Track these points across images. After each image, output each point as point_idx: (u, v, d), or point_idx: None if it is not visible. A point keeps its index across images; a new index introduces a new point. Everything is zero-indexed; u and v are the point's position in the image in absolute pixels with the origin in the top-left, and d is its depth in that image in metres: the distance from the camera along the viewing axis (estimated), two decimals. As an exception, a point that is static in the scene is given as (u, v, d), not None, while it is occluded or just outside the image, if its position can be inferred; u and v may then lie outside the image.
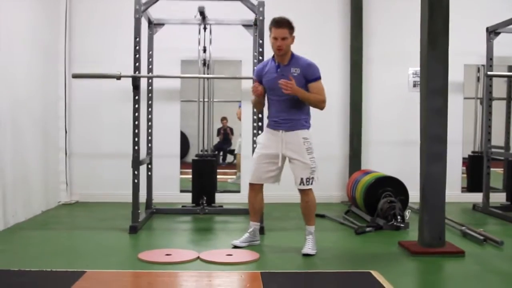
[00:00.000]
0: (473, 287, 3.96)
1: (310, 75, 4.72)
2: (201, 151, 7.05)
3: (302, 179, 4.73)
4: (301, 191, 4.81)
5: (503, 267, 4.56)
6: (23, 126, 6.12)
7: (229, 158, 12.56)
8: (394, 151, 7.70)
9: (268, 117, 4.94)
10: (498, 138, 7.85)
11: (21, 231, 5.60)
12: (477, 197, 7.23)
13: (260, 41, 5.76)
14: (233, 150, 12.17)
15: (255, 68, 5.09)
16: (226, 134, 12.42)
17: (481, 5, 7.64)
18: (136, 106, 5.73)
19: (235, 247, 4.95)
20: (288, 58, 4.77)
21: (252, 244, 5.01)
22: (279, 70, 4.76)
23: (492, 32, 6.93)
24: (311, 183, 4.77)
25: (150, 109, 6.62)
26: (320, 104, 4.78)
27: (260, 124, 5.66)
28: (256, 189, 4.96)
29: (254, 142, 6.21)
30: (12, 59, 5.81)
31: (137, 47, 5.72)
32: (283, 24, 4.69)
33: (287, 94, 4.62)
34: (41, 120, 6.69)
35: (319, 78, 4.75)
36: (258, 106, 5.10)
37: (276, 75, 4.75)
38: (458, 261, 4.60)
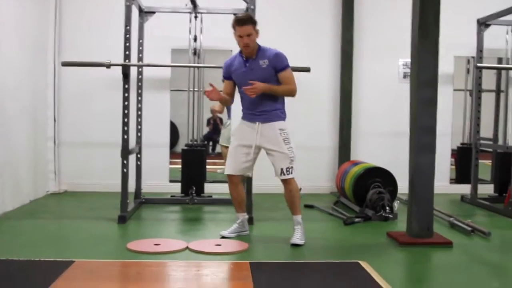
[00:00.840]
0: (461, 277, 3.98)
1: (278, 65, 4.71)
2: (191, 141, 7.04)
3: (282, 169, 4.72)
4: (283, 181, 4.80)
5: (490, 258, 4.60)
6: (11, 115, 6.07)
7: (219, 148, 12.54)
8: (384, 142, 7.72)
9: (242, 110, 4.92)
10: (486, 130, 7.88)
11: (9, 220, 5.57)
12: (465, 189, 7.28)
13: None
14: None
15: (223, 65, 5.04)
16: (215, 124, 12.39)
17: (472, -3, 7.66)
18: (126, 95, 5.70)
19: (224, 237, 4.95)
20: (255, 52, 4.76)
21: (241, 234, 5.03)
22: (248, 65, 4.76)
23: (483, 24, 6.94)
24: (291, 173, 4.74)
25: (140, 98, 6.58)
26: (291, 93, 4.78)
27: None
28: (234, 181, 4.95)
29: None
30: (-1, 47, 5.77)
31: (128, 35, 5.69)
32: (246, 22, 4.67)
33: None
34: (29, 109, 6.64)
35: (287, 66, 4.74)
36: (225, 103, 5.21)
37: (245, 70, 4.76)
38: (446, 251, 4.63)
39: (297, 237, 4.76)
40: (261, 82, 4.62)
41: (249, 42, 4.67)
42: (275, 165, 4.77)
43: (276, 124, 4.75)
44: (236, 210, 5.11)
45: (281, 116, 4.80)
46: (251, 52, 4.74)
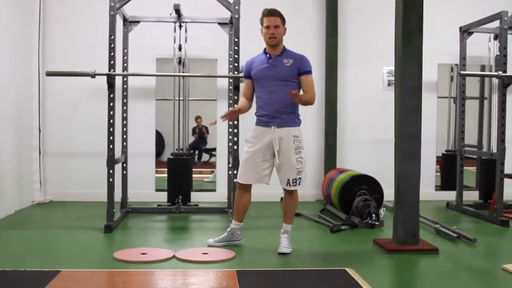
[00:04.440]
0: (447, 284, 4.00)
1: (303, 67, 4.70)
2: (177, 150, 7.03)
3: (288, 180, 4.67)
4: (287, 190, 4.78)
5: (476, 264, 4.63)
6: (-4, 125, 6.05)
7: (205, 157, 12.54)
8: (369, 150, 7.75)
9: (256, 114, 4.81)
10: (471, 137, 7.94)
11: (-6, 231, 5.54)
12: (450, 195, 7.32)
13: (236, 40, 5.76)
14: (209, 149, 12.16)
15: (244, 64, 5.01)
16: (201, 133, 12.40)
17: (454, 5, 7.75)
18: (111, 104, 5.69)
19: (210, 246, 4.92)
20: (281, 50, 4.75)
21: (230, 244, 4.93)
22: (271, 61, 4.72)
23: (465, 32, 7.01)
24: (298, 184, 4.70)
25: (125, 108, 6.57)
26: (311, 101, 4.77)
27: (235, 122, 5.66)
28: (245, 188, 4.85)
29: (229, 140, 6.22)
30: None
31: (112, 45, 5.69)
32: (275, 13, 4.69)
33: (275, 82, 4.66)
34: (14, 119, 6.60)
35: (310, 71, 4.75)
36: (245, 111, 4.92)
37: (267, 65, 4.72)
38: (432, 258, 4.65)
39: (284, 246, 4.74)
40: (280, 80, 4.64)
41: (276, 33, 4.67)
42: (280, 173, 4.72)
43: (291, 130, 4.69)
44: (234, 217, 4.98)
45: (297, 121, 4.76)
46: (276, 49, 4.73)
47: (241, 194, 4.88)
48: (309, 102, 4.75)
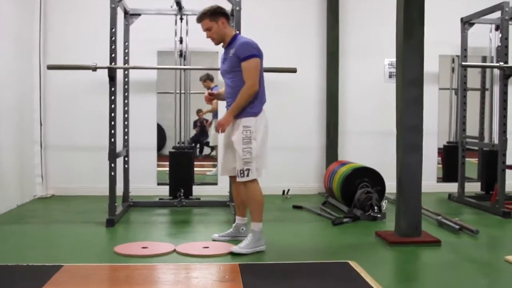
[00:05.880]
0: (449, 276, 4.00)
1: (241, 54, 4.46)
2: (178, 143, 7.02)
3: (238, 170, 4.50)
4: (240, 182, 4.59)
5: (478, 256, 4.63)
6: (-3, 119, 6.04)
7: (206, 150, 12.53)
8: (371, 142, 7.74)
9: None
10: (472, 128, 7.93)
11: (-4, 225, 5.54)
12: (452, 187, 7.32)
13: (237, 32, 5.72)
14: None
15: None
16: (202, 126, 12.38)
17: (455, -4, 7.71)
18: (112, 97, 5.69)
19: (215, 240, 4.87)
20: (228, 42, 4.66)
21: (236, 239, 4.78)
22: (223, 55, 4.74)
23: (466, 23, 6.99)
24: (247, 175, 4.45)
25: (126, 101, 6.57)
26: (249, 93, 4.44)
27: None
28: (234, 180, 4.73)
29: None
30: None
31: (113, 38, 5.67)
32: (200, 18, 4.63)
33: (227, 76, 4.61)
34: (15, 112, 6.60)
35: (250, 56, 4.45)
36: (221, 96, 4.95)
37: (222, 59, 4.74)
38: (435, 250, 4.66)
39: (240, 245, 4.51)
40: (227, 73, 4.59)
41: (210, 36, 4.65)
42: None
43: (241, 121, 4.49)
44: (236, 212, 4.97)
45: (249, 111, 4.48)
46: (223, 43, 4.68)
47: (233, 187, 4.84)
48: (248, 96, 4.44)
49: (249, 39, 4.60)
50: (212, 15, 4.60)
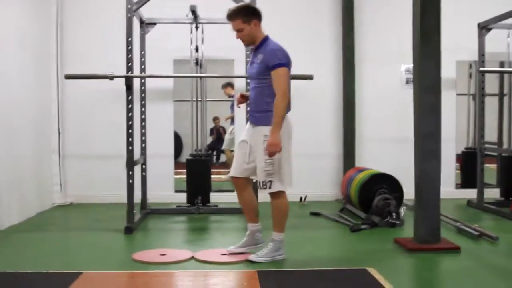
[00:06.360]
0: (469, 283, 3.97)
1: (269, 61, 4.26)
2: (195, 150, 7.04)
3: (259, 182, 4.37)
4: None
5: (498, 263, 4.58)
6: (16, 128, 6.10)
7: (223, 157, 12.55)
8: (388, 148, 7.70)
9: None
10: (491, 134, 7.88)
11: (16, 234, 5.58)
12: (471, 193, 7.25)
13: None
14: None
15: None
16: (219, 134, 12.42)
17: (472, 1, 7.65)
18: (130, 106, 5.72)
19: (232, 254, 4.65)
20: (257, 44, 4.44)
21: (254, 248, 4.60)
22: (250, 58, 4.59)
23: (484, 28, 6.94)
24: (269, 187, 4.31)
25: (143, 109, 6.61)
26: (284, 102, 4.24)
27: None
28: (238, 184, 4.57)
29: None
30: (3, 61, 5.80)
31: (130, 47, 5.71)
32: (232, 16, 4.38)
33: (253, 81, 4.45)
34: (34, 122, 6.66)
35: (279, 65, 4.25)
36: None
37: (249, 62, 4.60)
38: (454, 257, 4.62)
39: (258, 253, 4.43)
40: (253, 78, 4.43)
41: (241, 37, 4.43)
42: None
43: (262, 129, 4.31)
44: (246, 219, 4.73)
45: (271, 120, 4.25)
46: (254, 45, 4.46)
47: (238, 192, 4.61)
48: (283, 106, 4.24)
49: (278, 44, 4.40)
50: (245, 15, 4.37)
